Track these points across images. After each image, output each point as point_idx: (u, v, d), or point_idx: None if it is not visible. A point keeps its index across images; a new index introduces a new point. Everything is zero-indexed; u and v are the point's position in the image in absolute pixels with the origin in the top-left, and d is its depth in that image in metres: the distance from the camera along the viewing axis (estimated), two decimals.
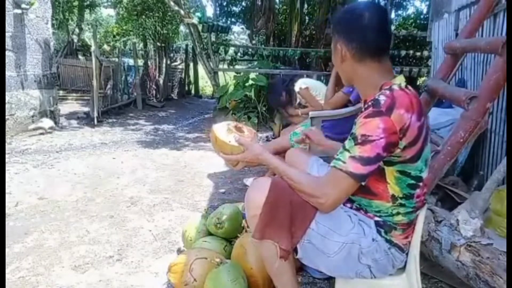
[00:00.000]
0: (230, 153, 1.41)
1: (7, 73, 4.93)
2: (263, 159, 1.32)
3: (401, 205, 1.18)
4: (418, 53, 7.09)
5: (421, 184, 1.17)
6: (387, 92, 1.09)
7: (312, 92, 3.36)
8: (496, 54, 1.80)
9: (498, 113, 2.50)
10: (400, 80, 1.15)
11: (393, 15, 10.88)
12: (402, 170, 1.13)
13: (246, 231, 1.82)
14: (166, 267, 1.70)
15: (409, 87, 1.14)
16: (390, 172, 1.14)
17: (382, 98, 1.07)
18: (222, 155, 1.44)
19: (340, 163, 1.09)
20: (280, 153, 2.28)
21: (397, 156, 1.10)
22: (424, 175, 1.17)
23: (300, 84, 3.44)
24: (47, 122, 5.53)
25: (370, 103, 1.09)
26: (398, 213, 1.18)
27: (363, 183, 1.10)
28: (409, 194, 1.17)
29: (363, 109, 1.21)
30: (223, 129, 1.45)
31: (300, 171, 1.33)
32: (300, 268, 1.77)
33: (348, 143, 1.10)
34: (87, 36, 18.73)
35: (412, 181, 1.15)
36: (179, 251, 2.06)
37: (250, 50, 9.17)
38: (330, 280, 1.72)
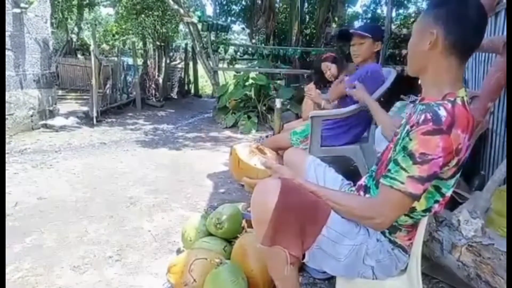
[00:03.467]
0: (255, 177, 1.31)
1: (6, 73, 4.91)
2: (297, 184, 1.22)
3: (415, 213, 1.17)
4: None
5: (443, 202, 1.15)
6: (449, 106, 1.03)
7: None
8: (497, 54, 1.79)
9: (499, 113, 2.49)
10: (463, 93, 1.08)
11: (394, 14, 10.86)
12: (437, 185, 1.11)
13: (246, 231, 1.81)
14: (165, 268, 1.69)
15: (469, 102, 1.10)
16: None
17: (442, 114, 1.00)
18: (246, 179, 1.35)
19: (398, 184, 1.04)
20: (278, 151, 2.25)
21: (441, 173, 1.06)
22: (449, 193, 1.14)
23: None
24: (58, 120, 5.51)
25: (429, 117, 1.01)
26: (406, 215, 1.17)
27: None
28: (430, 208, 1.15)
29: (417, 106, 1.13)
30: (245, 151, 1.35)
31: (343, 193, 1.29)
32: (300, 268, 1.76)
33: (403, 161, 1.04)
34: (86, 35, 18.74)
35: (439, 198, 1.13)
36: (179, 252, 2.05)
37: (250, 49, 9.17)
38: (331, 280, 1.72)
